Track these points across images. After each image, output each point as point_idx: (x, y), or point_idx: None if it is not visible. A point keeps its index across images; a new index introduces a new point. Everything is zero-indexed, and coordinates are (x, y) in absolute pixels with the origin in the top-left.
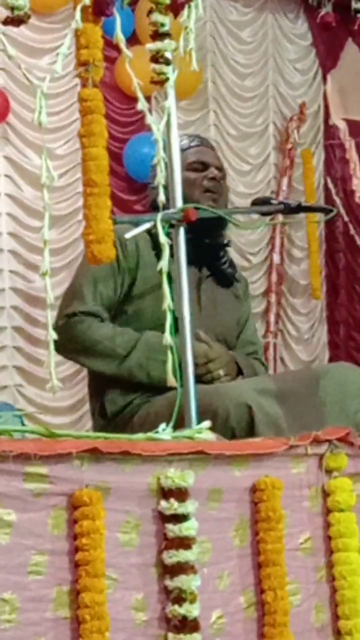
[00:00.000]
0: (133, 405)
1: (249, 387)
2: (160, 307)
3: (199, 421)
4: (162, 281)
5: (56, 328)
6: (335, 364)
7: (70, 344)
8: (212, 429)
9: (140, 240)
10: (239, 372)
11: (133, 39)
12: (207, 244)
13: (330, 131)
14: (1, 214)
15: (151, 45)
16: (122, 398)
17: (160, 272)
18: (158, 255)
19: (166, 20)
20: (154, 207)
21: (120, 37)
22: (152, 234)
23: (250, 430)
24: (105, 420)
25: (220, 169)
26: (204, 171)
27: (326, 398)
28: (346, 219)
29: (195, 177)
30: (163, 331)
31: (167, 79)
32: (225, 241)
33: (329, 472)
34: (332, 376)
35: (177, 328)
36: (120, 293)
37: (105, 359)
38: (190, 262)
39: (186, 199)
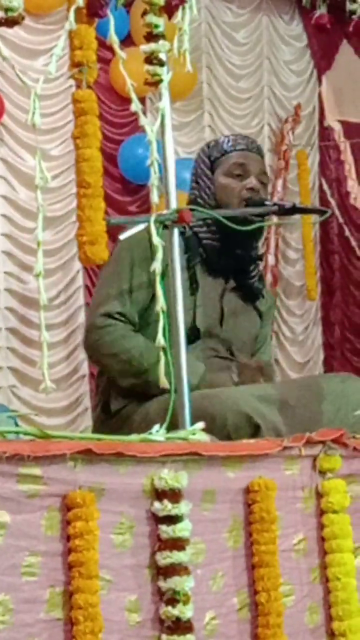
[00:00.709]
0: (134, 403)
1: (248, 394)
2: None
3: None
4: (156, 282)
5: (90, 325)
6: (338, 374)
7: (100, 343)
8: (210, 434)
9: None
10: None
11: (128, 41)
12: (237, 254)
13: (325, 132)
14: None
15: (145, 47)
16: (125, 396)
17: (161, 273)
18: (187, 259)
19: (160, 21)
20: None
21: (113, 38)
22: (184, 236)
23: (249, 437)
24: (107, 416)
25: (261, 177)
26: (244, 179)
27: (326, 408)
28: (341, 220)
29: (233, 185)
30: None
31: (161, 80)
32: (259, 254)
33: (322, 473)
34: (333, 385)
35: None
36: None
37: (127, 373)
38: (217, 272)
39: (222, 204)
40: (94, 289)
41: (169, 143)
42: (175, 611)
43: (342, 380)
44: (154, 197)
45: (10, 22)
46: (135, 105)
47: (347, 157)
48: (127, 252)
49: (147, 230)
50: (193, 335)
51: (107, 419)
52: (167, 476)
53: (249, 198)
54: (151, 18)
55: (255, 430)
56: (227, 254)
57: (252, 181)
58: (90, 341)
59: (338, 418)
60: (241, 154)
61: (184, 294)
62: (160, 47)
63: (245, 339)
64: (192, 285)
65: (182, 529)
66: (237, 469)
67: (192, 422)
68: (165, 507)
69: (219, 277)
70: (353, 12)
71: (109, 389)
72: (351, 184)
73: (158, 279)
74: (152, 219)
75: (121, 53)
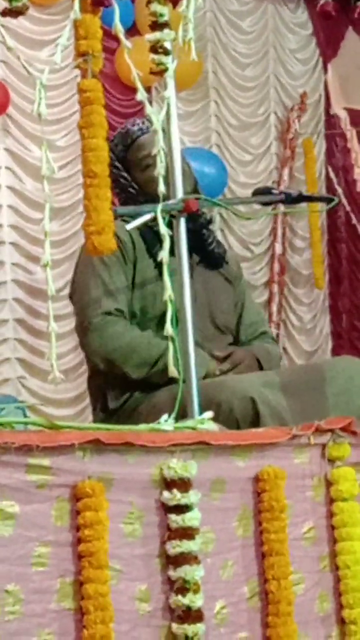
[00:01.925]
0: (135, 397)
1: (253, 380)
2: (159, 301)
3: (203, 413)
4: (164, 272)
5: (90, 324)
6: (341, 358)
7: (103, 342)
8: (216, 421)
9: (132, 231)
10: (260, 367)
11: (133, 30)
12: (189, 228)
13: (331, 121)
14: (2, 206)
15: (150, 36)
16: (124, 393)
17: (161, 262)
18: (149, 246)
19: (165, 10)
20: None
21: (119, 28)
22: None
23: (255, 423)
24: (107, 414)
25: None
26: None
27: (331, 391)
28: (348, 208)
29: (152, 176)
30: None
31: (167, 69)
32: (208, 218)
33: (331, 461)
34: (338, 370)
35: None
36: (131, 288)
37: (139, 366)
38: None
39: (153, 195)
40: (75, 290)
41: (175, 132)
42: (185, 600)
43: (345, 363)
44: (160, 187)
45: (15, 13)
46: (141, 95)
47: (354, 145)
48: (97, 259)
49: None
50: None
51: (108, 418)
52: (176, 466)
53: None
54: (156, 7)
55: (259, 416)
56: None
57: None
58: (94, 340)
59: (343, 401)
60: (141, 141)
61: (154, 282)
62: (166, 36)
63: (225, 309)
64: (160, 272)
65: (191, 518)
66: (247, 458)
67: (200, 411)
68: (174, 497)
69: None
70: (358, 0)
71: (104, 389)
72: (358, 171)
73: (165, 267)
74: (159, 208)
75: (126, 42)
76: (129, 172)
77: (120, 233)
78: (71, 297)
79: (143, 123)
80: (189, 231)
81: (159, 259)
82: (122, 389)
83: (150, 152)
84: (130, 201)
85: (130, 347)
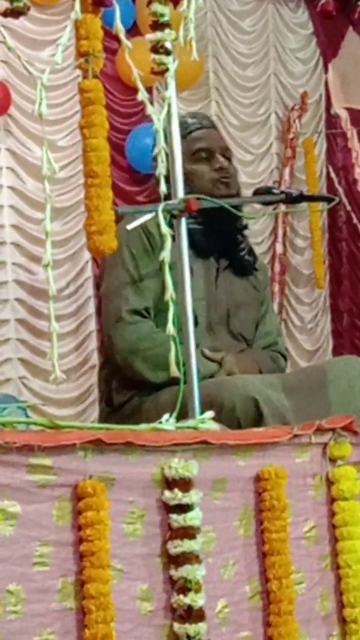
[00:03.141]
0: (140, 395)
1: (255, 380)
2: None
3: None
4: (165, 272)
5: (120, 319)
6: (342, 358)
7: (131, 341)
8: (218, 421)
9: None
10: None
11: (134, 30)
12: (223, 231)
13: (332, 120)
14: (4, 207)
15: (151, 36)
16: (128, 389)
17: (163, 262)
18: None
19: (166, 10)
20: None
21: (119, 28)
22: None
23: (257, 423)
24: (111, 409)
25: (225, 152)
26: (210, 160)
27: (333, 392)
28: (349, 207)
29: (201, 169)
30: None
31: (168, 69)
32: (244, 224)
33: (333, 460)
34: (339, 370)
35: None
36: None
37: (162, 371)
38: (207, 253)
39: (196, 190)
40: (103, 279)
41: (176, 132)
42: (186, 600)
43: (346, 363)
44: (162, 187)
45: (16, 13)
46: (142, 95)
47: (354, 144)
48: (126, 248)
49: (142, 224)
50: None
51: (112, 412)
52: (178, 465)
53: (220, 178)
54: (157, 7)
55: (261, 416)
56: (212, 233)
57: (218, 160)
58: (121, 336)
59: (345, 401)
60: (199, 134)
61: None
62: (166, 36)
63: (245, 318)
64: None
65: (192, 518)
66: (248, 457)
67: (202, 411)
68: (175, 496)
69: (209, 258)
70: None
71: (111, 382)
72: (358, 171)
73: (167, 268)
74: (160, 208)
75: (127, 42)
76: None
77: (150, 226)
78: (98, 287)
79: (202, 118)
80: (222, 234)
81: (160, 257)
82: (127, 385)
83: (204, 146)
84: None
85: (155, 353)
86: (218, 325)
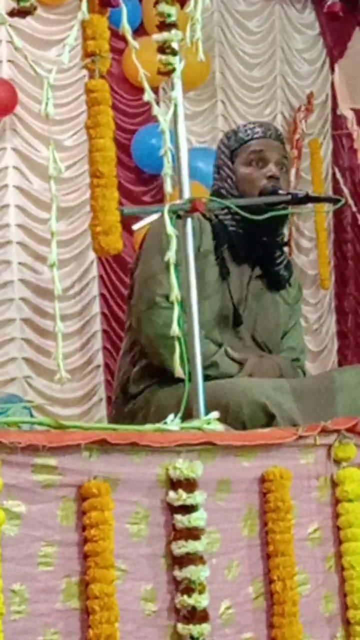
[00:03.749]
0: (152, 388)
1: (263, 383)
2: (218, 301)
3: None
4: (170, 272)
5: (156, 303)
6: (352, 366)
7: (164, 326)
8: (224, 423)
9: (204, 224)
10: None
11: (141, 30)
12: (263, 241)
13: (338, 121)
14: (10, 206)
15: (158, 36)
16: (146, 379)
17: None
18: (217, 244)
19: (173, 10)
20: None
21: (126, 28)
22: (211, 223)
23: (266, 427)
24: (125, 397)
25: (282, 163)
26: (263, 167)
27: (341, 399)
28: (354, 209)
29: (253, 174)
30: (222, 326)
31: (174, 69)
32: (284, 241)
33: (337, 462)
34: (348, 377)
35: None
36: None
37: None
38: (243, 259)
39: (244, 194)
40: (139, 262)
41: (182, 132)
42: (190, 600)
43: (357, 372)
44: (168, 187)
45: (23, 13)
46: (148, 95)
47: None
48: (164, 236)
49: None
50: (235, 321)
51: (125, 401)
52: (182, 466)
53: (267, 187)
54: (163, 7)
55: (270, 420)
56: (252, 241)
57: (271, 169)
58: (155, 320)
59: (354, 409)
60: (259, 142)
61: (215, 279)
62: (173, 37)
63: (269, 325)
64: (222, 270)
65: (197, 519)
66: (252, 459)
67: (207, 412)
68: (180, 497)
69: (244, 264)
70: None
71: (131, 371)
72: None
73: (172, 268)
74: (166, 208)
75: (134, 43)
76: (233, 164)
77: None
78: (132, 272)
79: (267, 129)
80: (261, 244)
81: (165, 257)
82: (145, 376)
83: (259, 152)
84: (221, 191)
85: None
86: (244, 329)
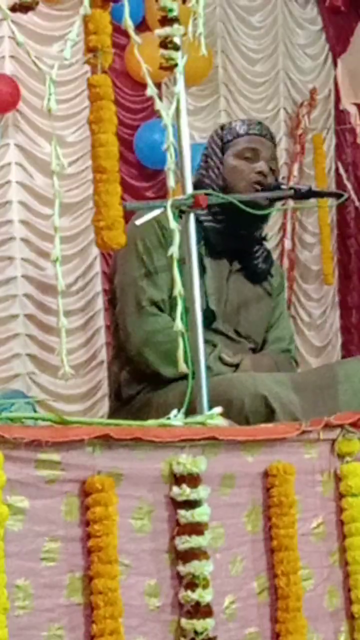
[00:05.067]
0: (149, 390)
1: (265, 377)
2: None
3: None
4: (174, 268)
5: (141, 309)
6: (354, 358)
7: (149, 333)
8: (227, 417)
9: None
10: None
11: (143, 25)
12: (241, 235)
13: (341, 116)
14: (12, 202)
15: (160, 31)
16: (138, 383)
17: (171, 257)
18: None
19: (175, 5)
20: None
21: (128, 23)
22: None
23: (267, 420)
24: (120, 402)
25: (271, 163)
26: (254, 162)
27: (343, 391)
28: (357, 204)
29: (242, 167)
30: (206, 324)
31: (176, 64)
32: (263, 235)
33: (341, 457)
34: (350, 370)
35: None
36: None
37: (171, 364)
38: (220, 254)
39: (230, 186)
40: (117, 270)
41: (185, 128)
42: (194, 595)
43: (358, 364)
44: (170, 182)
45: (25, 8)
46: (151, 90)
47: None
48: (140, 241)
49: (156, 217)
50: (207, 318)
51: (121, 406)
52: (186, 461)
53: (257, 182)
54: (166, 2)
55: (271, 413)
56: (229, 235)
57: (261, 165)
58: (139, 327)
59: (356, 401)
60: (253, 138)
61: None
62: (175, 31)
63: (253, 318)
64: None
65: (200, 514)
66: (256, 453)
67: (210, 407)
68: (183, 492)
69: (222, 259)
70: None
71: (120, 376)
72: None
73: (175, 264)
74: (169, 204)
75: (136, 38)
76: (224, 155)
77: (163, 220)
78: (111, 278)
79: (264, 129)
80: (237, 237)
81: (169, 253)
82: (137, 379)
83: (252, 147)
84: (204, 181)
85: (169, 348)
86: (226, 324)
